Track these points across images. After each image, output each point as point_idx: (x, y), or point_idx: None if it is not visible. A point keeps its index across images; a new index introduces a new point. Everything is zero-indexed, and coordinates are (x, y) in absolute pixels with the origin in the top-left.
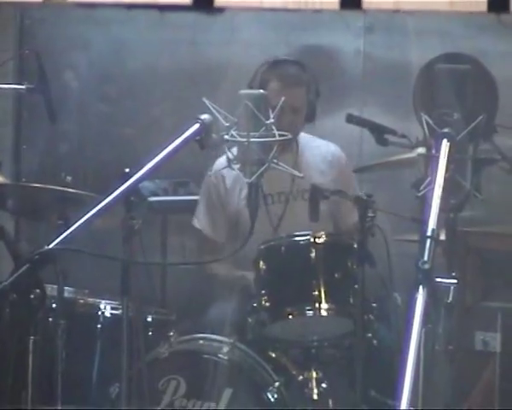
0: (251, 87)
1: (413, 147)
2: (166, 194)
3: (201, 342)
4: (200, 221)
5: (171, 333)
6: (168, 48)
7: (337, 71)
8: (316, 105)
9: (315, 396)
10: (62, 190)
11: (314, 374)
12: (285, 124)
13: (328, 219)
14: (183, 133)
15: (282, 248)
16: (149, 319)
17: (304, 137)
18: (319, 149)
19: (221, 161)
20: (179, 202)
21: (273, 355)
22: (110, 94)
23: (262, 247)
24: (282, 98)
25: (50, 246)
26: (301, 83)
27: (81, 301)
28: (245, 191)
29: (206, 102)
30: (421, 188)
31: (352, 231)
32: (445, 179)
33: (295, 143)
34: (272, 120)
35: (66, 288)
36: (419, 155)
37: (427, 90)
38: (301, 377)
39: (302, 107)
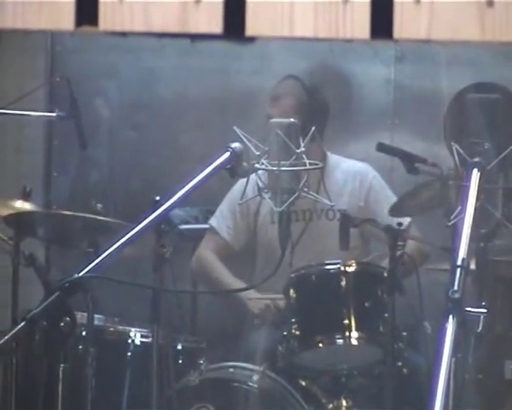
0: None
1: (443, 176)
2: (197, 222)
3: (231, 370)
4: (218, 222)
5: (202, 361)
6: (198, 76)
7: (367, 99)
8: (312, 119)
9: None
10: (93, 218)
11: (344, 403)
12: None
13: (355, 249)
14: (213, 161)
15: (313, 276)
16: (179, 347)
17: (331, 157)
18: (347, 169)
19: (251, 188)
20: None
21: (303, 384)
22: (140, 122)
23: (292, 275)
24: (313, 128)
25: (81, 274)
26: (292, 94)
27: (111, 328)
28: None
29: (237, 130)
30: (452, 217)
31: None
32: (476, 209)
33: (322, 174)
34: (303, 149)
35: (96, 316)
36: (450, 184)
37: (457, 119)
38: (331, 406)
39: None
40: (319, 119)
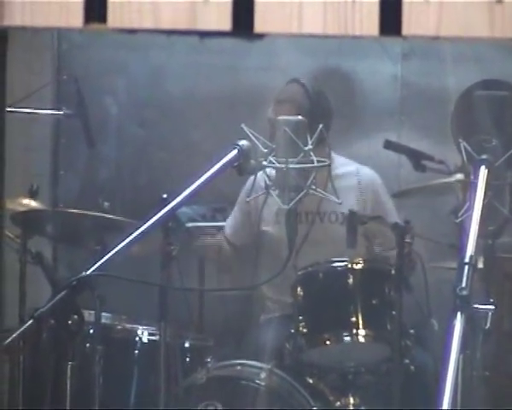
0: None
1: (451, 173)
2: (204, 220)
3: (239, 367)
4: (228, 221)
5: (209, 359)
6: (207, 73)
7: (374, 96)
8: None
9: None
10: (100, 216)
11: (351, 400)
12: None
13: (361, 239)
14: (221, 159)
15: (320, 274)
16: (187, 345)
17: (337, 160)
18: (353, 173)
19: (259, 185)
20: (217, 227)
21: (310, 381)
22: (148, 119)
23: (300, 273)
24: (320, 125)
25: (88, 272)
26: (294, 100)
27: (118, 326)
28: (275, 208)
29: (245, 128)
30: (460, 214)
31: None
32: (484, 206)
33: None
34: (311, 147)
35: (103, 314)
36: (457, 181)
37: (465, 116)
38: (338, 403)
39: None
40: (322, 124)
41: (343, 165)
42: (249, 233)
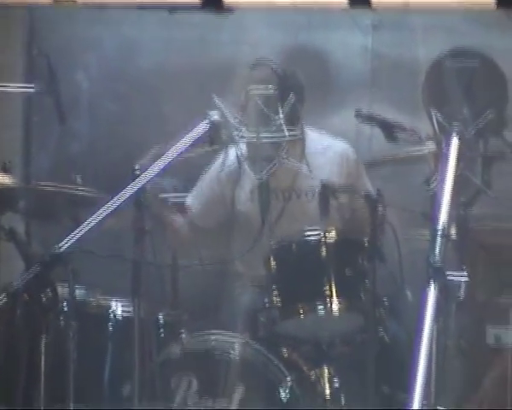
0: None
1: (422, 143)
2: (176, 191)
3: (213, 340)
4: (192, 200)
5: (183, 332)
6: (177, 47)
7: (345, 68)
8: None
9: (327, 393)
10: (72, 192)
11: (326, 370)
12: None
13: (335, 218)
14: (192, 131)
15: (293, 245)
16: (161, 320)
17: (311, 134)
18: (326, 147)
19: (231, 158)
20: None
21: (285, 352)
22: (120, 93)
23: (273, 245)
24: (291, 93)
25: (61, 247)
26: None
27: (93, 302)
28: (249, 187)
29: (216, 99)
30: (431, 184)
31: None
32: (455, 176)
33: (301, 140)
34: (281, 117)
35: (77, 289)
36: (429, 151)
37: (436, 86)
38: (313, 374)
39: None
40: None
41: (315, 140)
42: (221, 214)
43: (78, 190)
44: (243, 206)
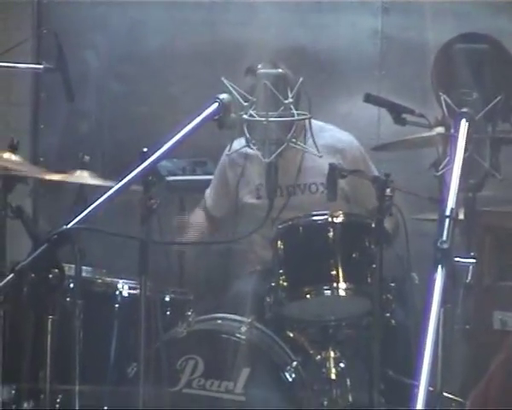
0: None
1: (431, 127)
2: (184, 173)
3: (219, 321)
4: (208, 192)
5: (189, 313)
6: (186, 28)
7: (354, 52)
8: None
9: (332, 376)
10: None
11: (332, 354)
12: None
13: (342, 202)
14: (201, 113)
15: (300, 227)
16: (167, 299)
17: (315, 124)
18: (330, 138)
19: (240, 141)
20: (197, 181)
21: (291, 335)
22: (128, 74)
23: (280, 227)
24: (301, 79)
25: (69, 226)
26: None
27: (99, 280)
28: (257, 181)
29: (225, 81)
30: (440, 168)
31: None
32: (464, 159)
33: (306, 130)
34: (291, 100)
35: (84, 267)
36: (438, 134)
37: (445, 70)
38: (319, 357)
39: None
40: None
41: (320, 130)
42: (229, 204)
43: (87, 176)
44: (249, 200)
